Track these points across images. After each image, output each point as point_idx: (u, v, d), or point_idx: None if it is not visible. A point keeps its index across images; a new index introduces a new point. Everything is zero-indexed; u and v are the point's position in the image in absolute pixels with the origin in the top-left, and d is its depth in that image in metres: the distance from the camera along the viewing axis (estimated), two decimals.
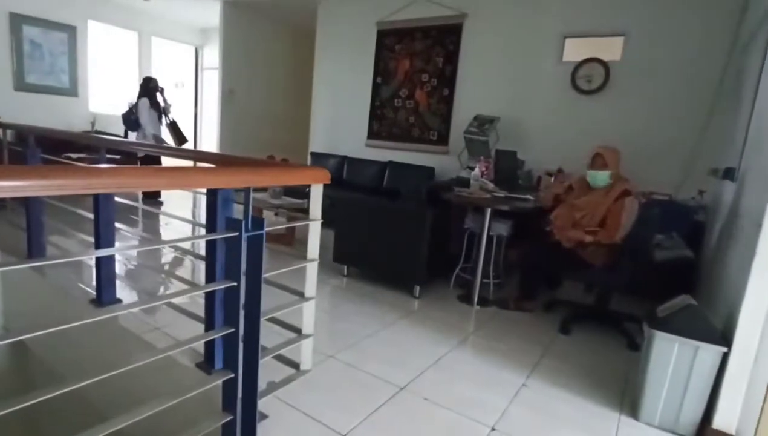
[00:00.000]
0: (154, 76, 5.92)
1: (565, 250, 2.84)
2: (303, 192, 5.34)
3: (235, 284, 1.24)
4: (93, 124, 6.82)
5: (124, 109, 5.76)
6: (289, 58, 7.54)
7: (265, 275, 1.31)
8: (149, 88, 5.66)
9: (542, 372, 2.30)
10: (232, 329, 1.27)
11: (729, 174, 2.54)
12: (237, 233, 1.21)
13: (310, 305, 1.67)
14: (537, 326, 2.90)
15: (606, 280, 2.80)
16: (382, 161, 5.49)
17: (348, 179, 5.69)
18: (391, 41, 5.47)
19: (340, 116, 6.10)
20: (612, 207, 2.72)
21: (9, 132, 3.25)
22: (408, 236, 3.14)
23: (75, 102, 6.82)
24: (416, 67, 5.31)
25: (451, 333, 2.66)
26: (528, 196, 3.38)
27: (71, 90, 6.75)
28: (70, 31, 6.63)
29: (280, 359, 1.76)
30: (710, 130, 3.78)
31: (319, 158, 6.03)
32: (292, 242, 4.42)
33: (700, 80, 3.81)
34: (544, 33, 4.51)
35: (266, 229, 1.27)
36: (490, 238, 3.23)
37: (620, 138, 4.17)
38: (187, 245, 2.71)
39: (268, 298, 1.36)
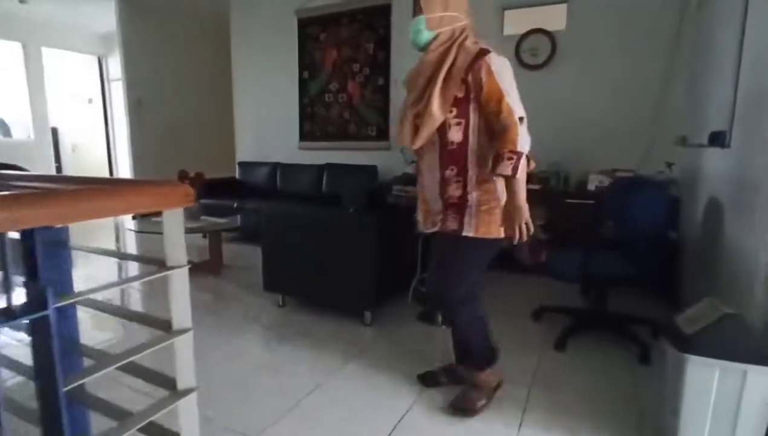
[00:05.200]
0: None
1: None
2: (231, 208, 4.64)
3: None
4: None
5: None
6: (205, 59, 6.72)
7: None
8: None
9: (536, 413, 1.80)
10: None
11: (717, 140, 2.15)
12: None
13: (183, 341, 1.02)
14: (521, 346, 2.41)
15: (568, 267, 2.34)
16: (319, 165, 4.88)
17: (282, 188, 5.03)
18: (315, 30, 4.87)
19: (267, 119, 5.43)
20: (468, 79, 1.54)
21: None
22: (350, 250, 2.56)
23: None
24: (345, 57, 4.74)
25: (414, 371, 2.10)
26: None
27: None
28: None
29: None
30: (669, 96, 3.47)
31: (248, 168, 5.33)
32: (220, 268, 3.72)
33: (654, 43, 3.48)
34: (479, 6, 4.05)
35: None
36: None
37: (575, 114, 3.81)
38: None
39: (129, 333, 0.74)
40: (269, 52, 5.27)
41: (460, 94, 1.55)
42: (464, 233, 1.62)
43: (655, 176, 3.29)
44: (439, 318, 2.63)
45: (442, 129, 1.58)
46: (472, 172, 1.61)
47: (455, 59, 1.56)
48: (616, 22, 3.58)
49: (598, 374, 2.10)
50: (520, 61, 3.91)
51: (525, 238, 1.56)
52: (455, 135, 1.58)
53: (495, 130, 1.55)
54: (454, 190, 1.64)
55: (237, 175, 5.37)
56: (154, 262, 0.97)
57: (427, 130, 1.58)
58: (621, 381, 2.04)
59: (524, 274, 3.63)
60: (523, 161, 1.50)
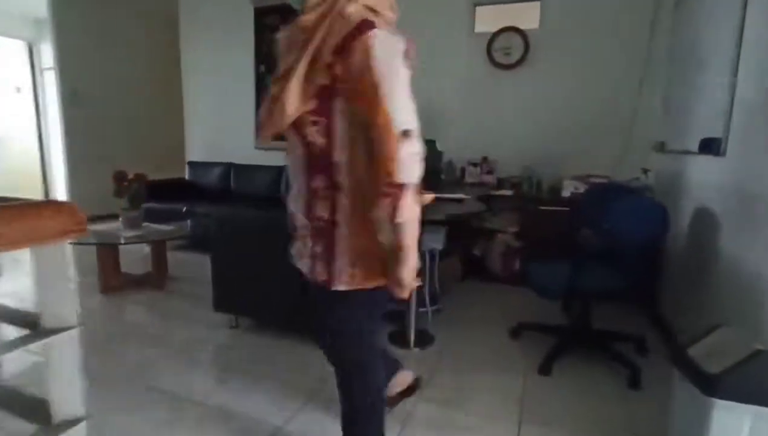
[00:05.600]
0: None
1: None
2: (179, 212, 4.22)
3: None
4: None
5: None
6: (151, 49, 6.17)
7: None
8: None
9: None
10: None
11: (710, 147, 2.02)
12: None
13: None
14: (502, 369, 2.19)
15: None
16: (277, 166, 4.53)
17: (237, 191, 4.65)
18: (273, 20, 4.52)
19: (220, 115, 5.01)
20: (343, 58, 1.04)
21: None
22: None
23: None
24: None
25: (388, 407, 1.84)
26: (461, 195, 2.68)
27: None
28: None
29: None
30: (645, 100, 3.38)
31: (199, 169, 4.90)
32: (164, 282, 3.31)
33: (629, 45, 3.38)
34: (450, 1, 3.86)
35: None
36: (420, 254, 2.48)
37: (548, 116, 3.67)
38: None
39: None
40: (223, 43, 4.86)
41: (325, 82, 1.04)
42: (334, 288, 1.15)
43: (630, 183, 3.19)
44: (412, 339, 2.38)
45: (300, 122, 1.08)
46: (347, 189, 1.11)
47: (329, 30, 1.04)
48: (590, 22, 3.46)
49: (589, 401, 1.91)
50: (492, 60, 3.73)
51: (406, 295, 1.13)
52: (316, 136, 1.09)
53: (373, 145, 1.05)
54: (322, 210, 1.14)
55: (187, 177, 4.93)
56: (24, 321, 0.65)
57: (273, 127, 1.10)
58: (613, 408, 1.86)
59: (496, 283, 3.46)
60: (409, 199, 1.01)
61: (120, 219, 3.23)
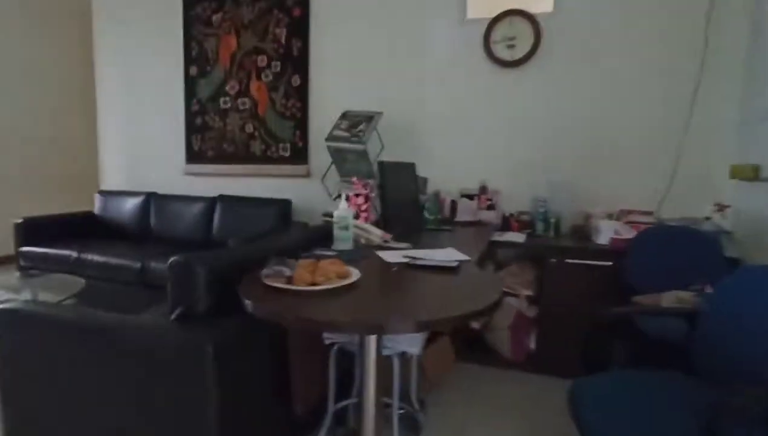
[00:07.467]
0: None
1: None
2: (68, 260, 3.10)
3: None
4: None
5: None
6: (56, 51, 4.97)
7: None
8: None
9: None
10: None
11: None
12: None
13: None
14: None
15: None
16: (210, 197, 3.46)
17: (157, 229, 3.54)
18: (206, 10, 3.51)
19: (141, 132, 3.94)
20: None
21: None
22: (176, 395, 1.18)
23: None
24: (247, 47, 3.40)
25: None
26: (455, 258, 1.61)
27: None
28: None
29: None
30: (699, 108, 2.42)
31: (111, 200, 3.77)
32: None
33: (676, 34, 2.44)
34: None
35: None
36: (385, 358, 1.41)
37: (566, 129, 2.67)
38: None
39: None
40: (145, 40, 3.83)
41: None
42: None
43: (692, 223, 2.19)
44: None
45: None
46: None
47: None
48: (623, 3, 2.52)
49: None
50: (491, 56, 2.75)
51: None
52: None
53: None
54: None
55: (95, 211, 3.81)
56: None
57: None
58: None
59: (503, 368, 2.39)
60: None
61: None
